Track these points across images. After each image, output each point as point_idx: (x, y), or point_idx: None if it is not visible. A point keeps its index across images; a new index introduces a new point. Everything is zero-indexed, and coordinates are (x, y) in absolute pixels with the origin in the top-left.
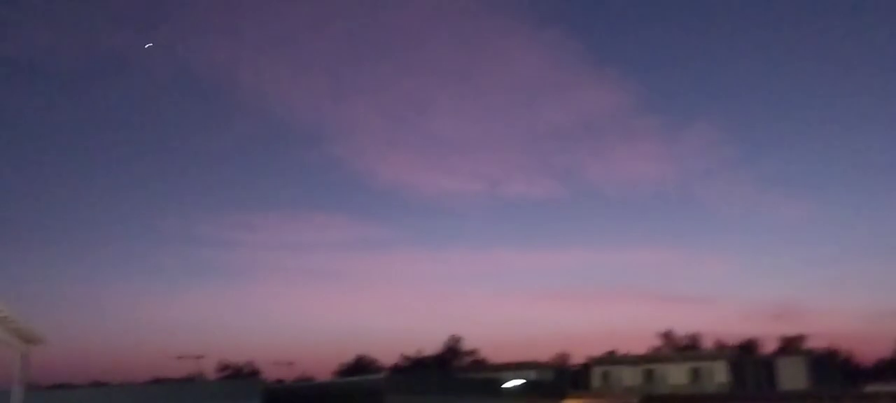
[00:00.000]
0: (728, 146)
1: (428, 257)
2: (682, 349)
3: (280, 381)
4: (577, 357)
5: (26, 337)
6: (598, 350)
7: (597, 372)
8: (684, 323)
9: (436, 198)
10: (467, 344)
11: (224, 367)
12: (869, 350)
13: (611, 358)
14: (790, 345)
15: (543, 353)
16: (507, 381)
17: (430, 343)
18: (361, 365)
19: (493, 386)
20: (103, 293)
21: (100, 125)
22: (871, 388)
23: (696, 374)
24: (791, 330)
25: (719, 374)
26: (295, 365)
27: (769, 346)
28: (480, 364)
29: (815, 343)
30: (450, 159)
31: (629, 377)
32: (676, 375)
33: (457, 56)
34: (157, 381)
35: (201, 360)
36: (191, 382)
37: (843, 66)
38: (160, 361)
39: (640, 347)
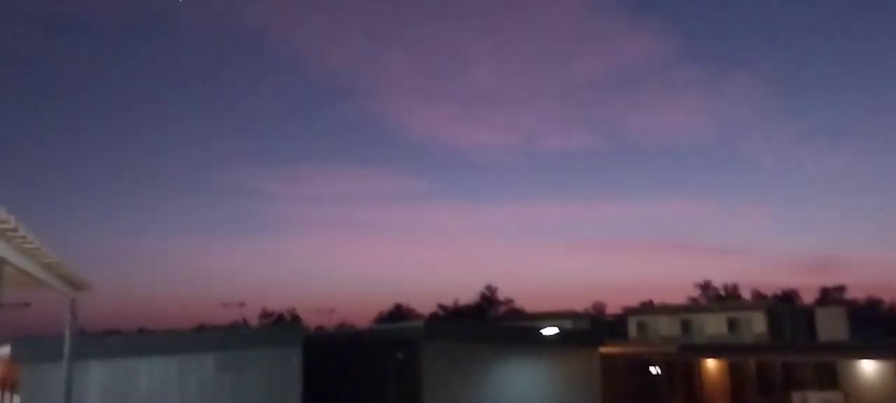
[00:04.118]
0: (769, 97)
1: (464, 209)
2: (720, 299)
3: (320, 328)
4: (614, 307)
5: (75, 284)
6: (635, 301)
7: (633, 322)
8: (722, 274)
9: (471, 151)
10: (503, 294)
11: (266, 314)
12: None
13: (647, 309)
14: (830, 296)
15: (579, 304)
16: (543, 329)
17: (466, 293)
18: (399, 314)
19: (530, 334)
20: (148, 243)
21: (141, 80)
22: None
23: (733, 325)
24: (831, 281)
25: (757, 324)
26: (334, 313)
27: (809, 297)
28: (516, 314)
29: (856, 294)
30: (485, 111)
31: (666, 327)
32: (713, 325)
33: (492, 7)
34: (202, 327)
35: (244, 308)
36: (234, 328)
37: (890, 13)
38: (204, 309)
39: (677, 298)
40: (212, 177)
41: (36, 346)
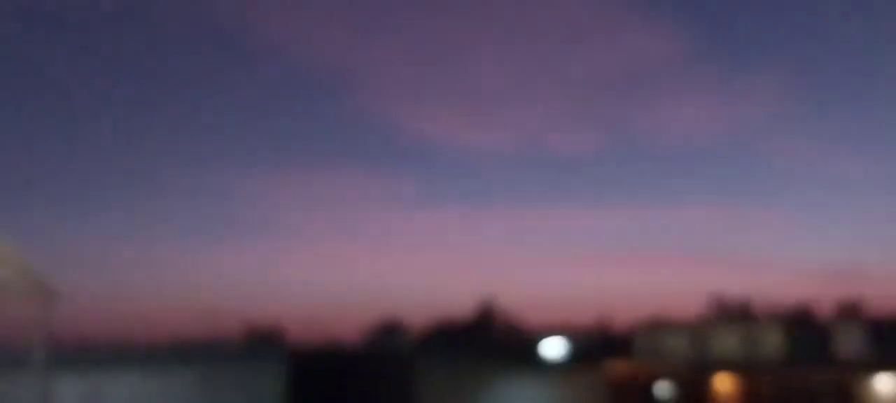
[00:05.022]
0: (789, 99)
1: (461, 214)
2: (734, 314)
3: (305, 344)
4: (621, 322)
5: (48, 293)
6: (643, 314)
7: (641, 338)
8: (737, 286)
9: (469, 152)
10: (502, 307)
11: (249, 326)
12: None
13: (657, 324)
14: (848, 310)
15: (584, 318)
16: (544, 346)
17: (461, 304)
18: (389, 328)
19: (531, 355)
20: (125, 249)
21: (123, 77)
22: None
23: (747, 341)
24: (850, 293)
25: (773, 341)
26: (321, 325)
27: (827, 310)
28: (516, 329)
29: (877, 307)
30: (485, 110)
31: (676, 343)
32: (727, 341)
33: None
34: (181, 340)
35: (225, 319)
36: (214, 344)
37: None
38: (184, 318)
39: (688, 312)
40: (193, 179)
41: (9, 357)
